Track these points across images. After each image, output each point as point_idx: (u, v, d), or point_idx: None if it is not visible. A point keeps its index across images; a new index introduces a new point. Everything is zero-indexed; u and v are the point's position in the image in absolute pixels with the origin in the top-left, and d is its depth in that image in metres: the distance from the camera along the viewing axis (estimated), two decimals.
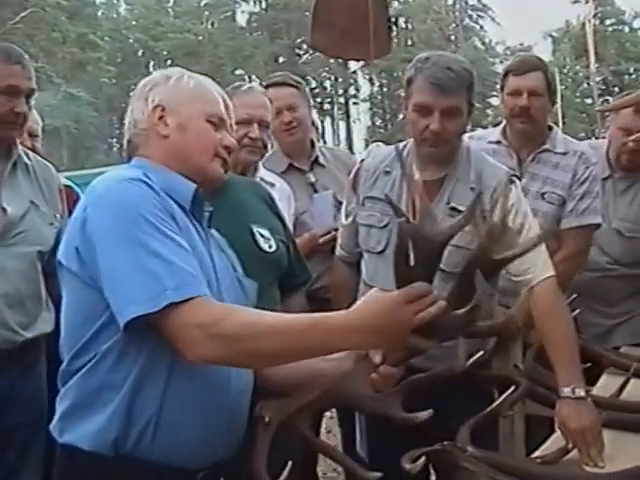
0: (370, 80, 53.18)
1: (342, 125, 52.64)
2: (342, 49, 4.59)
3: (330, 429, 4.84)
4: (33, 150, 3.36)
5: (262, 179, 3.15)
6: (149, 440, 1.76)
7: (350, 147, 46.56)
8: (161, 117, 1.94)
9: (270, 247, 2.55)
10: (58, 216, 2.82)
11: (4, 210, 2.62)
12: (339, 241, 3.06)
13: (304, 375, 1.91)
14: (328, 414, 4.18)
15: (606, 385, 2.76)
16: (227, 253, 2.02)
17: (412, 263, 1.68)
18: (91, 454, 1.76)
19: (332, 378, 1.89)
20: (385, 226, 2.76)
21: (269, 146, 3.28)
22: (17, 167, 2.75)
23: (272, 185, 3.14)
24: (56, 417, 1.86)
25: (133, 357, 1.76)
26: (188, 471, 1.82)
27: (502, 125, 3.52)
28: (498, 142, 3.44)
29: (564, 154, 3.35)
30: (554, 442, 2.34)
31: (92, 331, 1.77)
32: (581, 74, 46.67)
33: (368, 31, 4.06)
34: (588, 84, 44.86)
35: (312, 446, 1.84)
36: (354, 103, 53.65)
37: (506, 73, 3.41)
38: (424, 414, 1.79)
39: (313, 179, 3.63)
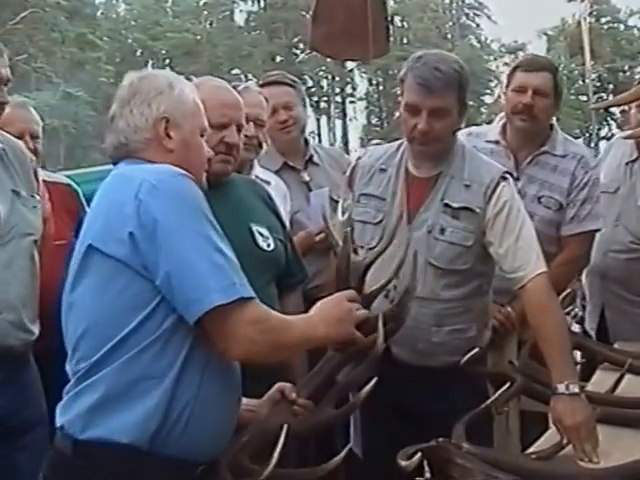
0: (369, 80, 53.11)
1: (338, 123, 52.62)
2: (341, 50, 4.60)
3: None
4: (34, 152, 3.37)
5: (257, 177, 3.17)
6: (180, 430, 1.78)
7: (346, 145, 46.51)
8: (166, 128, 1.96)
9: (269, 246, 2.57)
10: (37, 196, 2.77)
11: None
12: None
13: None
14: None
15: (600, 381, 2.76)
16: None
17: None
18: (119, 449, 1.76)
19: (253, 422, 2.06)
20: (379, 222, 2.79)
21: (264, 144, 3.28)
22: None
23: (268, 183, 3.16)
24: (75, 412, 1.82)
25: (177, 346, 1.79)
26: (197, 464, 1.84)
27: (501, 123, 3.46)
28: (497, 142, 3.38)
29: (563, 156, 3.31)
30: (549, 438, 2.34)
31: (137, 321, 1.77)
32: (576, 72, 46.59)
33: (367, 31, 4.07)
34: (583, 81, 44.84)
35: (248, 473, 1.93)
36: (351, 102, 53.56)
37: (514, 68, 3.34)
38: (367, 389, 2.02)
39: (307, 178, 3.64)
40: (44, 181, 3.37)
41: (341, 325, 1.97)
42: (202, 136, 2.04)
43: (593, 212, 3.28)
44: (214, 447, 1.88)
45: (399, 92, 2.77)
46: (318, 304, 2.01)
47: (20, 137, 3.32)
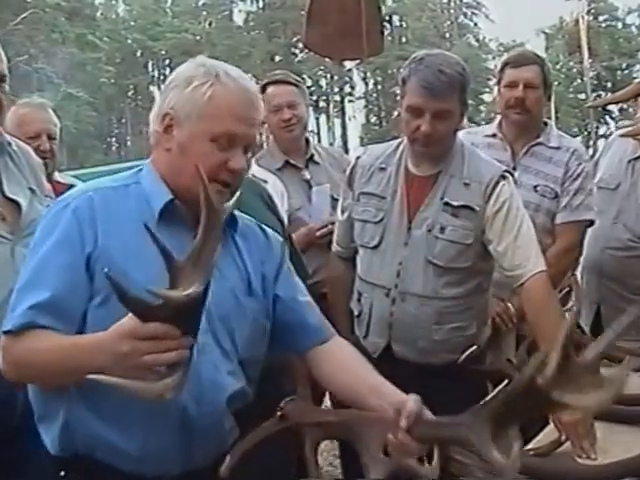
0: (364, 79, 53.11)
1: (337, 122, 52.62)
2: (336, 49, 4.62)
3: None
4: (51, 152, 3.39)
5: (254, 176, 3.18)
6: (93, 448, 1.76)
7: (345, 144, 46.55)
8: (169, 126, 1.82)
9: None
10: (48, 199, 2.75)
11: (17, 204, 2.56)
12: (335, 237, 3.08)
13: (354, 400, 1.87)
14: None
15: None
16: (228, 277, 1.88)
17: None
18: (56, 461, 1.81)
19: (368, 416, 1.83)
20: (380, 221, 2.79)
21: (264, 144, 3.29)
22: (5, 155, 2.66)
23: (264, 182, 3.16)
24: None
25: None
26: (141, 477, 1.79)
27: (498, 119, 3.54)
28: (494, 135, 3.45)
29: (557, 149, 3.36)
30: (547, 434, 2.34)
31: None
32: (574, 70, 46.64)
33: (361, 30, 4.09)
34: (581, 79, 44.82)
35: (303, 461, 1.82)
36: (349, 101, 53.66)
37: (503, 66, 3.43)
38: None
39: (308, 176, 3.67)
40: (58, 182, 3.42)
41: (121, 366, 1.56)
42: (217, 142, 1.79)
43: (585, 203, 3.31)
44: (160, 464, 1.79)
45: (399, 92, 2.76)
46: (116, 326, 1.58)
47: (37, 137, 3.36)
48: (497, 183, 2.70)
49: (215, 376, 1.82)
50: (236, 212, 1.98)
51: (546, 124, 3.46)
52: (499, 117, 3.54)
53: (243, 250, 1.96)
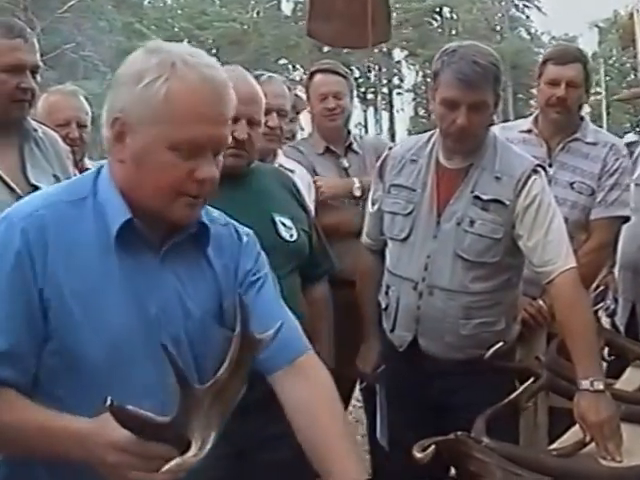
0: (408, 68, 52.89)
1: (385, 115, 52.50)
2: (341, 37, 4.59)
3: (358, 419, 4.84)
4: (80, 140, 3.42)
5: (281, 166, 3.18)
6: None
7: (392, 137, 46.36)
8: (121, 133, 1.53)
9: (291, 236, 2.55)
10: None
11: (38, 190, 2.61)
12: (365, 229, 3.07)
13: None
14: (357, 404, 4.27)
15: (631, 378, 2.72)
16: (200, 304, 1.64)
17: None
18: None
19: None
20: (409, 214, 2.77)
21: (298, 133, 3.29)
22: (31, 142, 2.67)
23: (291, 172, 3.17)
24: None
25: None
26: None
27: (534, 114, 3.49)
28: (529, 131, 3.41)
29: (594, 144, 3.31)
30: (573, 434, 2.31)
31: None
32: (628, 65, 45.92)
33: (366, 17, 4.06)
34: (635, 74, 44.12)
35: None
36: (398, 93, 53.46)
37: (545, 61, 3.37)
38: None
39: (346, 164, 3.72)
40: (89, 170, 3.44)
41: (107, 473, 1.40)
42: (178, 150, 1.49)
43: (621, 199, 3.26)
44: None
45: (432, 85, 2.73)
46: (112, 425, 1.32)
47: (67, 124, 3.38)
48: (529, 177, 2.66)
49: None
50: (206, 217, 1.68)
51: (582, 119, 3.40)
52: (535, 112, 3.50)
53: (217, 265, 1.70)
